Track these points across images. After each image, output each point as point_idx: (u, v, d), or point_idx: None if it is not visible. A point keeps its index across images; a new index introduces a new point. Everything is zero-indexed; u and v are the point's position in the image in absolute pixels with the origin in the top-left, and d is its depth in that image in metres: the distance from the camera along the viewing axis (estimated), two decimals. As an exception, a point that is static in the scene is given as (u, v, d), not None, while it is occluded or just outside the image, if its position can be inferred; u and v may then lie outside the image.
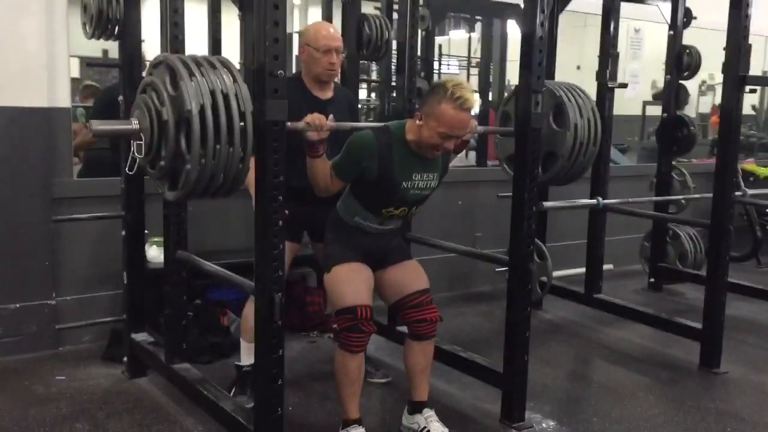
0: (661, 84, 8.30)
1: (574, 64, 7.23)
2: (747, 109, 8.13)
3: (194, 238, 3.48)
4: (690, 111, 6.86)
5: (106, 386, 3.51)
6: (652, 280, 5.53)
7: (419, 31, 3.78)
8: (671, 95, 5.16)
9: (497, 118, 3.69)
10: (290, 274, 3.64)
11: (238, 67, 2.38)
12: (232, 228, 4.28)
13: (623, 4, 4.69)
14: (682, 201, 5.27)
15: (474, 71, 9.92)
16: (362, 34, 3.88)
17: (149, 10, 3.53)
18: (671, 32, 5.08)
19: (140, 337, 3.59)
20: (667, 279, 5.54)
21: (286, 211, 2.47)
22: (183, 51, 3.08)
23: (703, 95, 9.51)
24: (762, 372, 3.97)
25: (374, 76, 7.74)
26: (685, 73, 5.17)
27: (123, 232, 3.55)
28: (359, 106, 4.56)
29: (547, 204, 3.96)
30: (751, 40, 3.68)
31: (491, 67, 6.76)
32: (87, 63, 6.27)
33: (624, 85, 4.93)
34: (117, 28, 3.29)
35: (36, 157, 3.74)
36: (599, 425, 3.28)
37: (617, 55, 4.57)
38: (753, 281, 5.10)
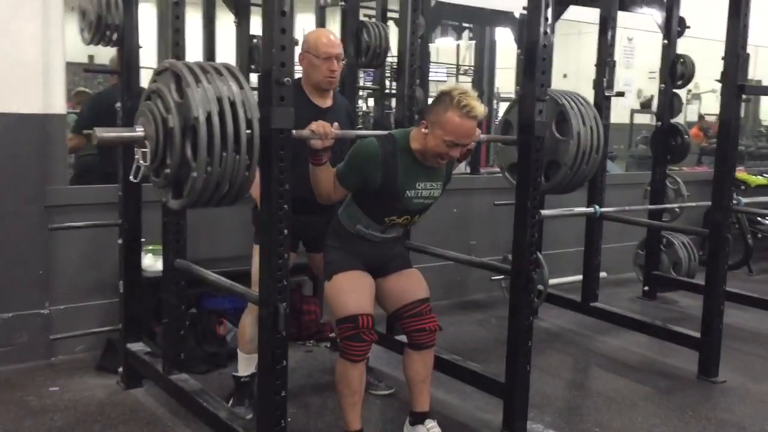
0: (647, 93, 8.36)
1: (561, 72, 7.26)
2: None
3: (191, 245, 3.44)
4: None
5: (101, 397, 3.45)
6: (646, 288, 5.53)
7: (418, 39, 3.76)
8: (666, 104, 5.18)
9: (499, 126, 3.68)
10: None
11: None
12: (224, 235, 4.23)
13: (616, 13, 4.70)
14: (677, 209, 5.28)
15: (462, 79, 9.97)
16: (361, 42, 3.86)
17: (142, 17, 3.49)
18: (665, 41, 5.10)
19: (136, 347, 3.54)
20: (661, 287, 5.55)
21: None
22: (184, 57, 3.05)
23: (689, 103, 9.61)
24: (760, 381, 3.97)
25: (360, 83, 7.72)
26: (679, 82, 5.18)
27: (120, 241, 3.50)
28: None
29: (545, 212, 3.93)
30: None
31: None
32: (84, 69, 6.17)
33: (621, 94, 4.96)
34: (116, 35, 3.25)
35: (30, 164, 3.68)
36: (602, 436, 3.28)
37: (614, 64, 4.58)
38: (745, 289, 5.11)
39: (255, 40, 4.39)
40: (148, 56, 3.97)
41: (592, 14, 4.83)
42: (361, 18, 4.27)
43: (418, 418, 3.04)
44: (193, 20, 4.76)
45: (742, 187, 6.46)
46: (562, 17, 4.29)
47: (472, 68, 9.02)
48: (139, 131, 2.26)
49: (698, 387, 3.86)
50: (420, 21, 3.79)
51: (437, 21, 6.78)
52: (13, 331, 3.72)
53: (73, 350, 3.89)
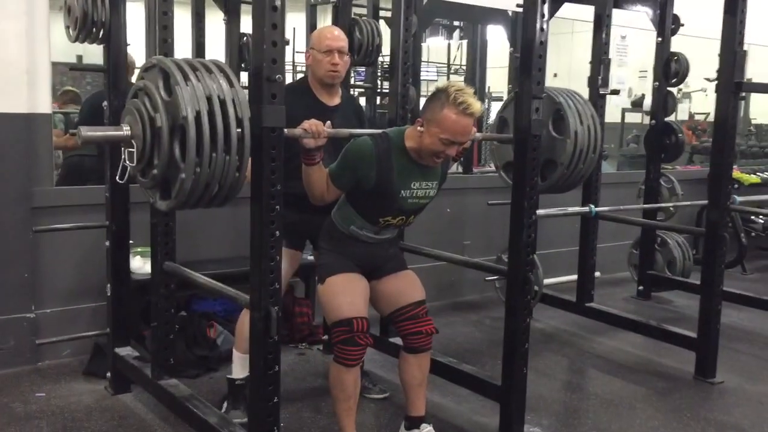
0: (639, 91, 8.33)
1: (551, 71, 7.23)
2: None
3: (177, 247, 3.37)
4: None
5: (89, 403, 3.38)
6: (640, 287, 5.49)
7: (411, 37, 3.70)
8: (660, 102, 5.14)
9: (494, 124, 3.62)
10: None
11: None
12: (214, 237, 4.16)
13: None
14: (671, 209, 5.24)
15: (453, 78, 9.94)
16: (354, 39, 3.80)
17: (130, 14, 3.42)
18: (659, 39, 5.06)
19: (124, 351, 3.47)
20: (656, 287, 5.51)
21: (285, 218, 2.38)
22: (172, 55, 2.98)
23: (679, 102, 9.60)
24: (757, 381, 3.93)
25: (351, 81, 7.69)
26: (673, 80, 5.15)
27: (107, 243, 3.42)
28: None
29: (540, 212, 3.88)
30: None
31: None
32: (70, 68, 6.06)
33: (616, 92, 4.90)
34: (102, 32, 3.17)
35: (15, 165, 3.60)
36: (600, 439, 3.23)
37: (609, 62, 4.54)
38: (740, 288, 5.07)
39: (245, 38, 4.34)
40: (137, 55, 3.91)
41: (586, 12, 4.79)
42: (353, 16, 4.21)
43: (414, 423, 2.99)
44: (182, 18, 4.71)
45: (736, 186, 6.42)
46: (555, 15, 4.24)
47: (463, 67, 9.00)
48: (125, 130, 2.19)
49: (696, 388, 3.82)
50: (413, 19, 3.74)
51: (430, 19, 6.73)
52: (-1, 335, 3.64)
53: (60, 355, 3.81)
